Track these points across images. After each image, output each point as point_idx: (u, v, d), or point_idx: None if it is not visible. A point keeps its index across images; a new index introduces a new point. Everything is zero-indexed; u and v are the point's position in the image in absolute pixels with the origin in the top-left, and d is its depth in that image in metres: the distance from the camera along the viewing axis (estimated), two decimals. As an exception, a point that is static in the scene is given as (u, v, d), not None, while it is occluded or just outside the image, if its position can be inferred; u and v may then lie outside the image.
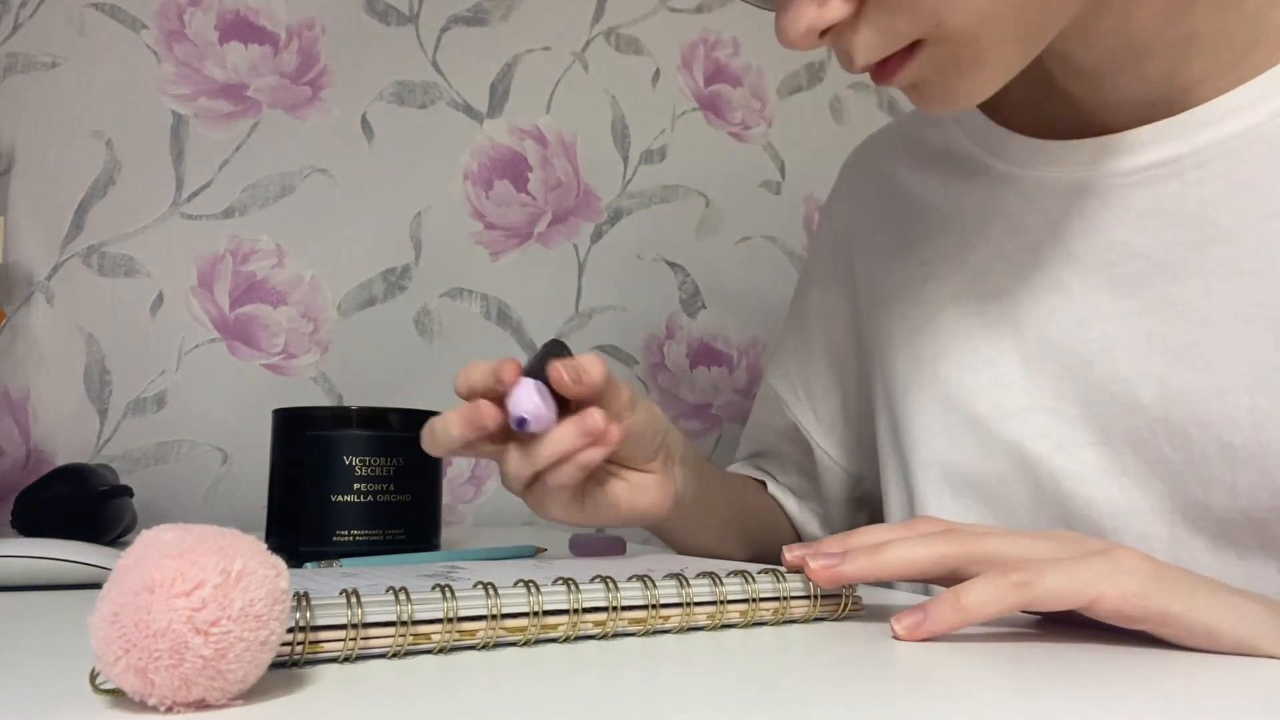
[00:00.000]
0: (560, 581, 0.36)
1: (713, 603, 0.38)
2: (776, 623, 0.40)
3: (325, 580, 0.40)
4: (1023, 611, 0.37)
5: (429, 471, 0.66)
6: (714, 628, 0.39)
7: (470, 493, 1.06)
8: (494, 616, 0.34)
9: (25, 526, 0.71)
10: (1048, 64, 0.53)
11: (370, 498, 0.62)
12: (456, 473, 1.05)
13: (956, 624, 0.36)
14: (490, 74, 1.10)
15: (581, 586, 0.36)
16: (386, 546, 0.62)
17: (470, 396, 0.49)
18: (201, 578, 0.25)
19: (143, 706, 0.25)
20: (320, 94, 1.04)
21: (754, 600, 0.39)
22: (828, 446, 0.73)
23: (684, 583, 0.38)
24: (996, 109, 0.59)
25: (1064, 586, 0.35)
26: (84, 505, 0.72)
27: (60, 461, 0.91)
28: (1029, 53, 0.46)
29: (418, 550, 0.63)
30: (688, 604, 0.38)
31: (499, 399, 0.48)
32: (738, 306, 1.19)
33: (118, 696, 0.26)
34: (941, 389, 0.58)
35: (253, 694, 0.27)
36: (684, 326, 1.17)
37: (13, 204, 0.93)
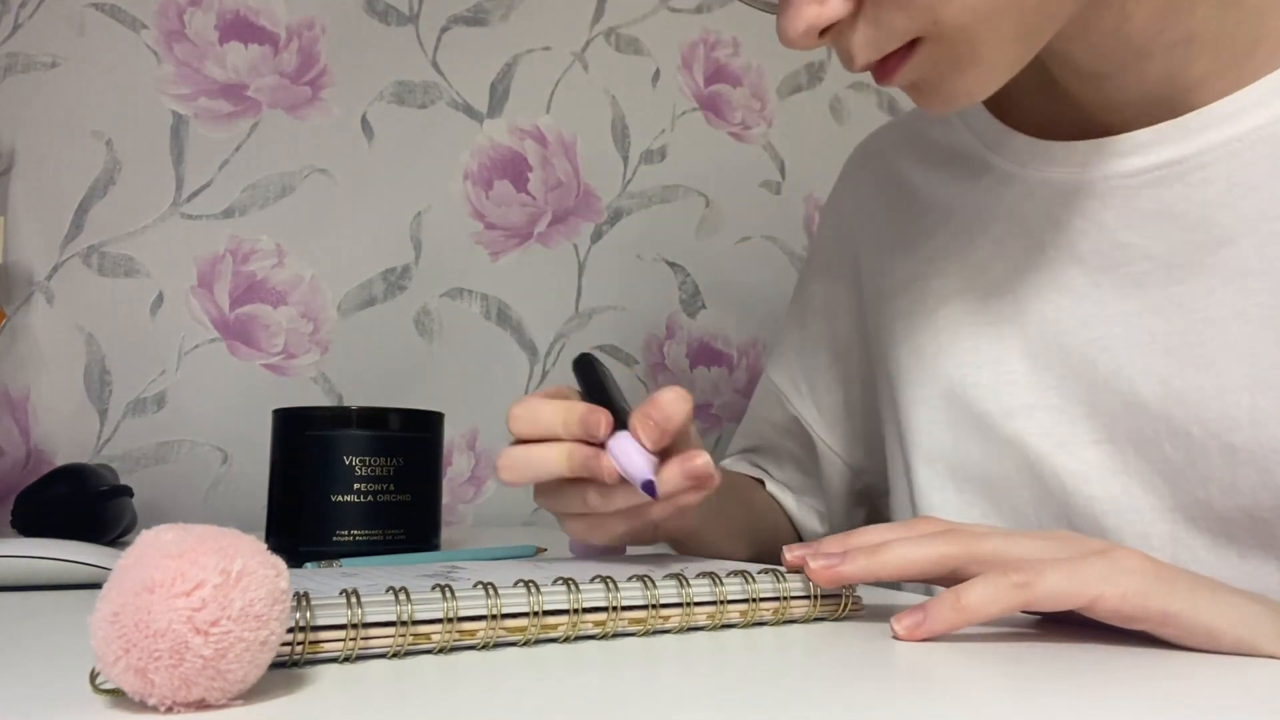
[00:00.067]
0: (560, 581, 0.36)
1: (713, 603, 0.38)
2: (776, 623, 0.40)
3: (325, 580, 0.40)
4: (1023, 611, 0.37)
5: (429, 471, 0.66)
6: (714, 628, 0.39)
7: (470, 493, 1.06)
8: (494, 616, 0.34)
9: (25, 526, 0.71)
10: (1049, 64, 0.53)
11: (370, 498, 0.62)
12: (456, 473, 1.05)
13: (957, 624, 0.36)
14: (490, 74, 1.10)
15: (581, 586, 0.36)
16: (386, 546, 0.62)
17: (535, 438, 0.47)
18: (201, 578, 0.25)
19: (143, 706, 0.25)
20: (320, 94, 1.04)
21: (754, 600, 0.39)
22: (830, 440, 0.73)
23: (684, 583, 0.38)
24: (1002, 107, 0.59)
25: (1064, 586, 0.35)
26: (84, 505, 0.72)
27: (60, 461, 0.91)
28: (1027, 52, 0.46)
29: (418, 550, 0.63)
30: (688, 604, 0.38)
31: (576, 439, 0.46)
32: (738, 306, 1.19)
33: (118, 696, 0.26)
34: (944, 385, 0.58)
35: (253, 694, 0.27)
36: (684, 326, 1.17)
37: (13, 204, 0.93)
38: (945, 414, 0.58)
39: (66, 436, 0.93)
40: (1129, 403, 0.50)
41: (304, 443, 0.62)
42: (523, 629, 0.35)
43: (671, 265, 1.16)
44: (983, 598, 0.35)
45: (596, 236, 1.13)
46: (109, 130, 0.96)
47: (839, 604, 0.41)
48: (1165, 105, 0.50)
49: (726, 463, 0.80)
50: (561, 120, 1.13)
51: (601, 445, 0.45)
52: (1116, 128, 0.52)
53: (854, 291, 0.70)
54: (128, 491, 0.77)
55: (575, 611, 0.36)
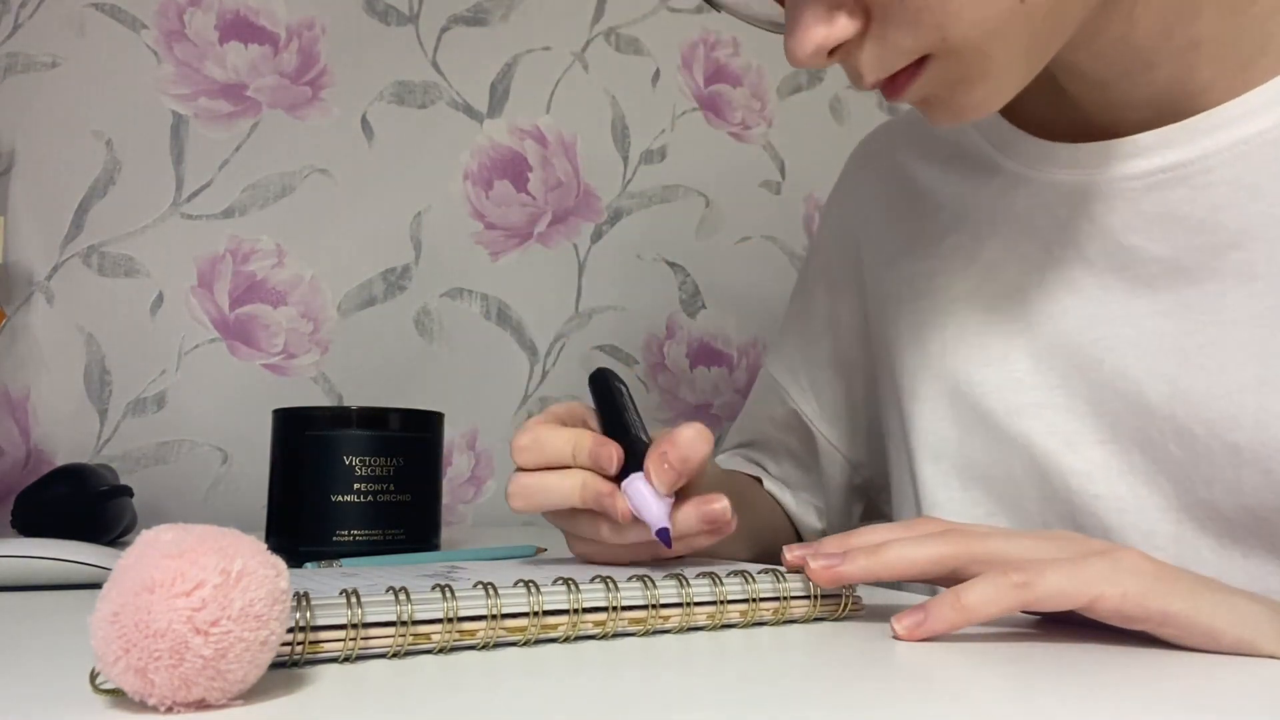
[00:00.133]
0: (560, 581, 0.36)
1: (713, 603, 0.38)
2: (776, 623, 0.40)
3: (325, 580, 0.40)
4: (1023, 611, 0.37)
5: (429, 471, 0.66)
6: (714, 628, 0.39)
7: (470, 493, 1.06)
8: (494, 616, 0.34)
9: (25, 526, 0.71)
10: (1053, 71, 0.53)
11: (370, 498, 0.62)
12: (456, 473, 1.05)
13: (957, 624, 0.36)
14: (490, 74, 1.10)
15: (581, 586, 0.36)
16: (386, 546, 0.62)
17: (542, 466, 0.46)
18: (201, 578, 0.25)
19: (143, 706, 0.25)
20: (320, 94, 1.04)
21: (754, 600, 0.39)
22: (830, 435, 0.73)
23: (684, 583, 0.38)
24: (1008, 107, 0.59)
25: (1064, 586, 0.35)
26: (84, 505, 0.72)
27: (60, 461, 0.91)
28: (1036, 65, 0.46)
29: (418, 550, 0.63)
30: (688, 604, 0.38)
31: (588, 469, 0.46)
32: (738, 306, 1.19)
33: (118, 696, 0.26)
34: (950, 383, 0.58)
35: (253, 694, 0.27)
36: (684, 326, 1.17)
37: (13, 204, 0.93)
38: (950, 412, 0.58)
39: (66, 436, 0.93)
40: (1135, 403, 0.50)
41: (304, 443, 0.62)
42: (523, 629, 0.35)
43: (671, 265, 1.16)
44: (983, 598, 0.35)
45: (596, 236, 1.13)
46: (109, 130, 0.96)
47: (839, 604, 0.41)
48: (1171, 110, 0.50)
49: (721, 459, 0.80)
50: (561, 120, 1.13)
51: (615, 479, 0.45)
52: (1121, 131, 0.52)
53: (856, 288, 0.70)
54: (128, 491, 0.77)
55: (575, 611, 0.35)
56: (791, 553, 0.41)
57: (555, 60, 1.13)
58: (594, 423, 0.50)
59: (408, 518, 0.63)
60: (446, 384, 1.05)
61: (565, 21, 1.14)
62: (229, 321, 0.99)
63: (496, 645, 0.34)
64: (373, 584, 0.36)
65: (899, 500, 0.64)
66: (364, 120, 1.05)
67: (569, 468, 0.46)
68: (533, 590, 0.35)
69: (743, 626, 0.39)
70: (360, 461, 0.61)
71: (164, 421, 0.96)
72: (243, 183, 1.00)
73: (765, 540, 0.69)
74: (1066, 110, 0.55)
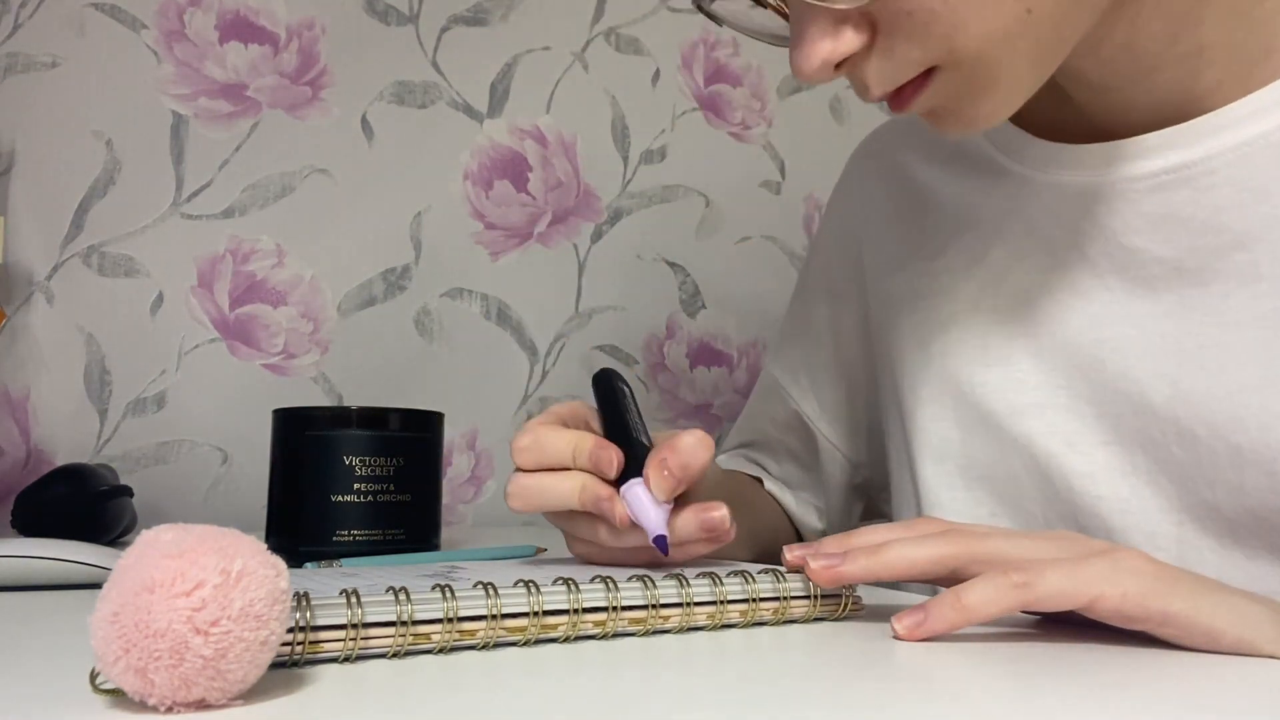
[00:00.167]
0: (560, 581, 0.36)
1: (713, 603, 0.38)
2: (776, 623, 0.40)
3: (325, 580, 0.40)
4: (1023, 611, 0.37)
5: (429, 471, 0.66)
6: (714, 628, 0.39)
7: (470, 493, 1.06)
8: (494, 616, 0.34)
9: (25, 526, 0.71)
10: (1057, 77, 0.53)
11: (370, 498, 0.62)
12: (456, 473, 1.05)
13: (957, 624, 0.36)
14: (490, 74, 1.10)
15: (581, 586, 0.36)
16: (386, 546, 0.62)
17: (542, 468, 0.46)
18: (201, 578, 0.25)
19: (143, 706, 0.25)
20: (320, 94, 1.04)
21: (754, 600, 0.39)
22: (831, 435, 0.73)
23: (684, 583, 0.38)
24: None
25: (1064, 587, 0.35)
26: (84, 505, 0.72)
27: (60, 461, 0.91)
28: (1044, 73, 0.46)
29: (418, 550, 0.63)
30: (688, 604, 0.38)
31: (588, 471, 0.46)
32: (738, 306, 1.19)
33: (118, 696, 0.26)
34: (952, 383, 0.58)
35: (253, 694, 0.27)
36: (684, 326, 1.17)
37: (13, 204, 0.93)
38: (953, 412, 0.58)
39: (66, 436, 0.93)
40: (1137, 404, 0.50)
41: (304, 443, 0.62)
42: (523, 629, 0.34)
43: (671, 265, 1.16)
44: (983, 598, 0.35)
45: (596, 236, 1.13)
46: (109, 130, 0.96)
47: (839, 604, 0.41)
48: (1175, 113, 0.50)
49: (722, 459, 0.80)
50: (561, 120, 1.13)
51: (615, 483, 0.45)
52: (1124, 133, 0.52)
53: (857, 289, 0.70)
54: (128, 491, 0.77)
55: (575, 611, 0.35)
56: (791, 553, 0.41)
57: (555, 60, 1.13)
58: (596, 424, 0.50)
59: (408, 518, 0.63)
60: (446, 384, 1.05)
61: (565, 21, 1.14)
62: (229, 321, 0.99)
63: (496, 645, 0.34)
64: (373, 584, 0.36)
65: (899, 501, 0.64)
66: (364, 120, 1.05)
67: (569, 470, 0.46)
68: (533, 590, 0.35)
69: (743, 626, 0.39)
70: (360, 461, 0.61)
71: (164, 421, 0.96)
72: (243, 183, 1.00)
73: (765, 541, 0.69)
74: (1069, 113, 0.55)
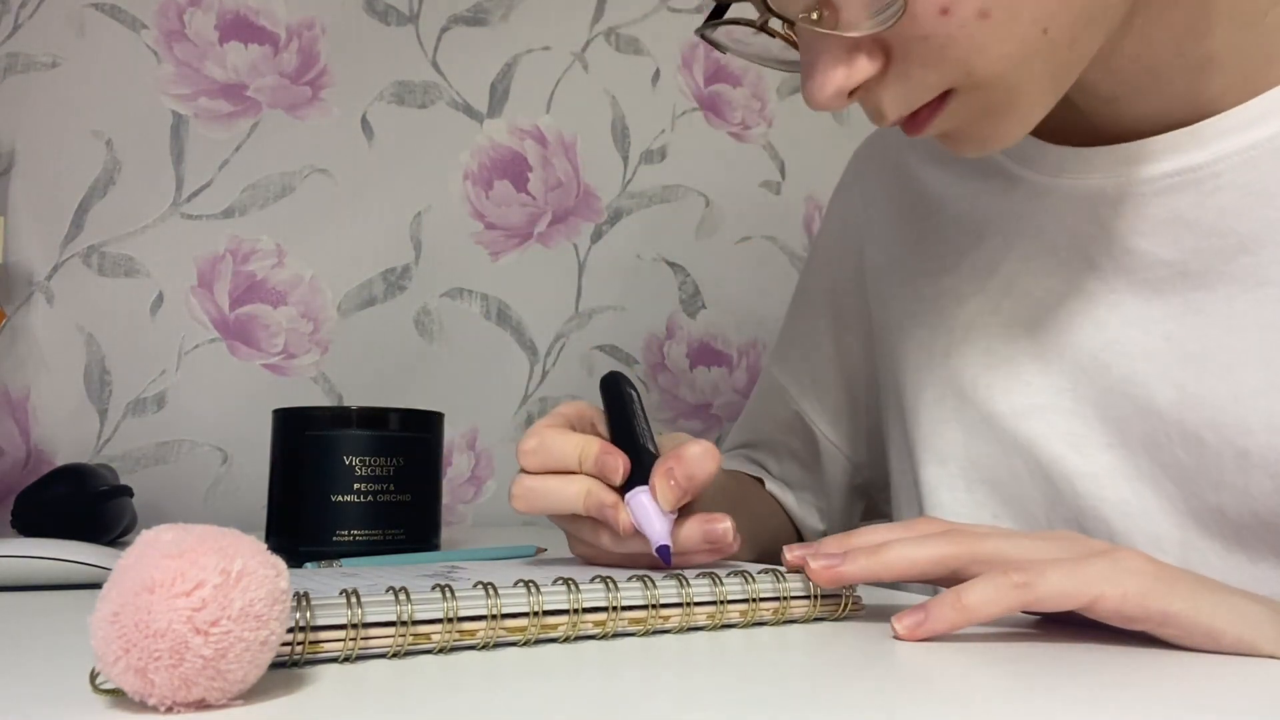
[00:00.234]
0: (560, 581, 0.36)
1: (713, 603, 0.38)
2: (776, 623, 0.40)
3: (325, 580, 0.40)
4: (1023, 611, 0.37)
5: (429, 471, 0.66)
6: (714, 628, 0.39)
7: (470, 493, 1.06)
8: (494, 616, 0.34)
9: (25, 526, 0.71)
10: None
11: (370, 498, 0.62)
12: (456, 473, 1.05)
13: (957, 624, 0.36)
14: (490, 74, 1.10)
15: (581, 586, 0.36)
16: (386, 546, 0.62)
17: (546, 471, 0.46)
18: (201, 578, 0.25)
19: (143, 706, 0.25)
20: (320, 94, 1.04)
21: (754, 600, 0.39)
22: (833, 435, 0.73)
23: (684, 583, 0.38)
24: None
25: (1065, 587, 0.35)
26: (84, 505, 0.72)
27: (60, 461, 0.91)
28: (1060, 90, 0.46)
29: (418, 550, 0.63)
30: (688, 604, 0.38)
31: (593, 475, 0.46)
32: (738, 306, 1.19)
33: (118, 696, 0.26)
34: (955, 385, 0.58)
35: (253, 694, 0.27)
36: (684, 326, 1.17)
37: (13, 204, 0.93)
38: (956, 414, 0.58)
39: (66, 436, 0.93)
40: (1143, 407, 0.50)
41: (304, 443, 0.62)
42: (523, 629, 0.34)
43: (671, 265, 1.16)
44: (984, 598, 0.35)
45: (596, 236, 1.13)
46: (109, 130, 0.96)
47: (839, 604, 0.41)
48: (1180, 121, 0.50)
49: (722, 459, 0.80)
50: (561, 120, 1.13)
51: (620, 489, 0.45)
52: (1130, 138, 0.52)
53: (858, 288, 0.70)
54: (128, 491, 0.77)
55: (575, 611, 0.35)
56: (792, 553, 0.40)
57: (555, 60, 1.13)
58: (602, 426, 0.50)
59: (408, 518, 0.63)
60: (446, 384, 1.05)
61: (565, 21, 1.14)
62: (229, 321, 0.99)
63: (496, 645, 0.34)
64: (373, 584, 0.36)
65: (900, 502, 0.64)
66: (364, 120, 1.05)
67: (574, 474, 0.46)
68: (533, 590, 0.35)
69: (743, 626, 0.39)
70: (360, 461, 0.61)
71: (164, 421, 0.96)
72: (243, 183, 1.00)
73: (766, 541, 0.69)
74: (1074, 118, 0.54)
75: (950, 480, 0.58)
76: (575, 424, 0.49)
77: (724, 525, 0.44)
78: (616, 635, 0.37)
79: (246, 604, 0.26)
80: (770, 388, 0.77)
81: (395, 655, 0.33)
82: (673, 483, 0.43)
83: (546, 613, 0.35)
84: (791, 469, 0.76)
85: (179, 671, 0.24)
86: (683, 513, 0.45)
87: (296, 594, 0.31)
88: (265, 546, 0.28)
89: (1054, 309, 0.54)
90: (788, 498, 0.76)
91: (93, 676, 0.27)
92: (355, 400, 1.01)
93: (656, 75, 1.18)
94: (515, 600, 0.35)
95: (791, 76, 1.25)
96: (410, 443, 0.64)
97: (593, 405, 0.51)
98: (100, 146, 0.96)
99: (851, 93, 0.43)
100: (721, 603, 0.38)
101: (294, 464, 0.63)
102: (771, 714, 0.26)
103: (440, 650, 0.33)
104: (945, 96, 0.44)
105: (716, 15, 0.46)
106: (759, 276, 1.20)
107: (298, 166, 1.02)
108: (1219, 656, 0.34)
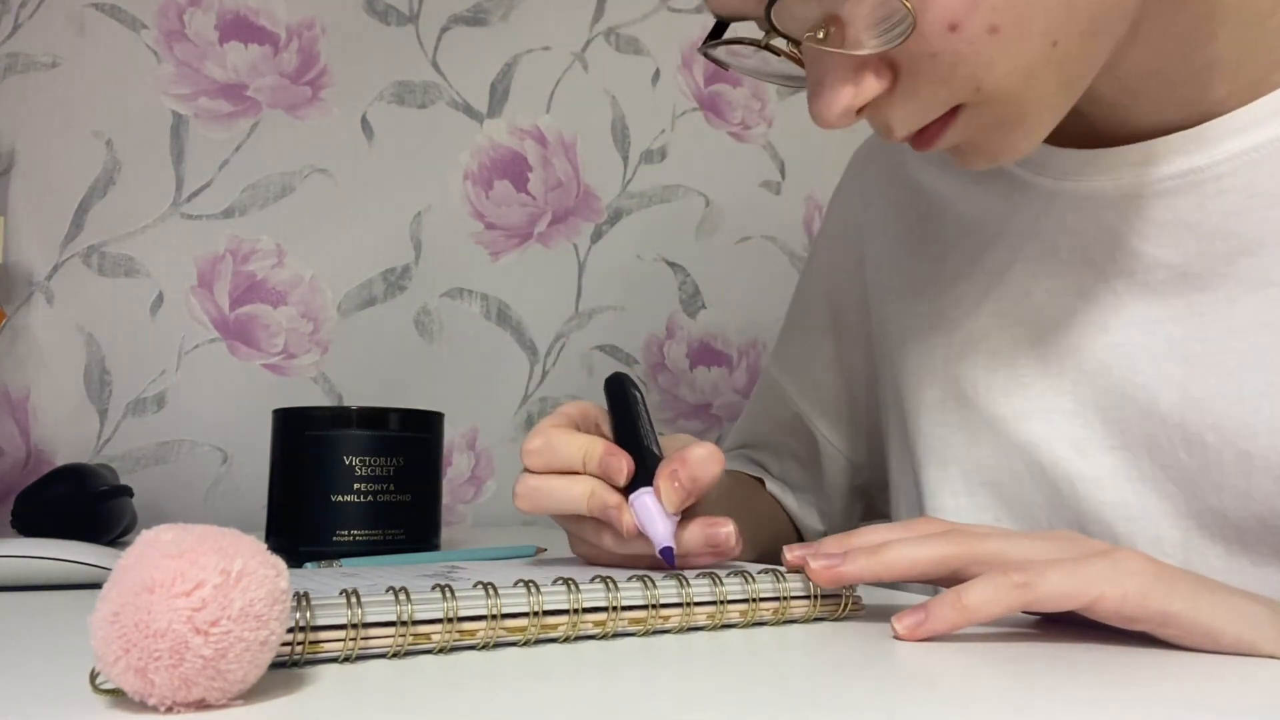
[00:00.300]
0: (560, 581, 0.36)
1: (713, 603, 0.38)
2: (776, 623, 0.40)
3: (325, 580, 0.40)
4: (1023, 612, 0.37)
5: (429, 471, 0.66)
6: (714, 628, 0.39)
7: (470, 493, 1.06)
8: (494, 616, 0.34)
9: (25, 526, 0.71)
10: None
11: (370, 498, 0.62)
12: (456, 473, 1.05)
13: (958, 624, 0.36)
14: (490, 74, 1.10)
15: (581, 586, 0.36)
16: (386, 546, 0.62)
17: (550, 471, 0.46)
18: (201, 578, 0.25)
19: (143, 706, 0.25)
20: (320, 94, 1.04)
21: (754, 600, 0.39)
22: (832, 436, 0.73)
23: (684, 583, 0.38)
24: None
25: (1065, 587, 0.35)
26: (84, 505, 0.72)
27: (60, 461, 0.91)
28: (1070, 101, 0.45)
29: (418, 550, 0.63)
30: (688, 604, 0.38)
31: (597, 476, 0.46)
32: (738, 306, 1.19)
33: (118, 696, 0.26)
34: (956, 387, 0.58)
35: (253, 694, 0.27)
36: (684, 326, 1.17)
37: (13, 204, 0.93)
38: (957, 416, 0.57)
39: (66, 436, 0.93)
40: (1144, 409, 0.50)
41: (304, 443, 0.62)
42: (523, 629, 0.34)
43: (671, 265, 1.16)
44: (984, 598, 0.35)
45: (596, 236, 1.13)
46: (109, 130, 0.96)
47: (839, 604, 0.41)
48: (1183, 125, 0.50)
49: None
50: (561, 120, 1.13)
51: (623, 490, 0.45)
52: (1131, 141, 0.52)
53: (858, 290, 0.70)
54: (128, 491, 0.77)
55: (575, 611, 0.35)
56: (792, 553, 0.40)
57: (555, 60, 1.13)
58: (606, 426, 0.50)
59: (408, 518, 0.63)
60: (446, 384, 1.05)
61: (565, 21, 1.14)
62: (229, 321, 0.99)
63: (496, 645, 0.34)
64: (373, 584, 0.36)
65: (901, 504, 0.64)
66: (364, 120, 1.05)
67: (578, 474, 0.46)
68: (533, 590, 0.35)
69: (743, 626, 0.39)
70: (360, 461, 0.61)
71: (164, 421, 0.96)
72: (243, 183, 1.00)
73: (766, 541, 0.69)
74: (1077, 122, 0.54)
75: (951, 483, 0.58)
76: (579, 424, 0.49)
77: (726, 529, 0.44)
78: (616, 635, 0.37)
79: (246, 604, 0.26)
80: (770, 388, 0.77)
81: (395, 655, 0.33)
82: (677, 485, 0.43)
83: (546, 613, 0.35)
84: (791, 469, 0.76)
85: (179, 671, 0.24)
86: (685, 514, 0.45)
87: (296, 594, 0.31)
88: (265, 546, 0.28)
89: (1055, 311, 0.54)
90: (788, 498, 0.76)
91: (93, 676, 0.27)
92: (355, 400, 1.01)
93: (656, 75, 1.18)
94: (515, 600, 0.35)
95: (791, 76, 1.25)
96: (410, 443, 0.64)
97: (597, 405, 0.51)
98: (100, 146, 0.96)
99: (859, 110, 0.43)
100: (721, 603, 0.38)
101: (294, 464, 0.63)
102: (771, 714, 0.26)
103: (440, 650, 0.33)
104: (954, 112, 0.44)
105: (716, 34, 0.46)
106: (759, 276, 1.20)
107: (298, 166, 1.02)
108: (1219, 656, 0.34)
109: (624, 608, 0.36)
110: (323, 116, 1.03)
